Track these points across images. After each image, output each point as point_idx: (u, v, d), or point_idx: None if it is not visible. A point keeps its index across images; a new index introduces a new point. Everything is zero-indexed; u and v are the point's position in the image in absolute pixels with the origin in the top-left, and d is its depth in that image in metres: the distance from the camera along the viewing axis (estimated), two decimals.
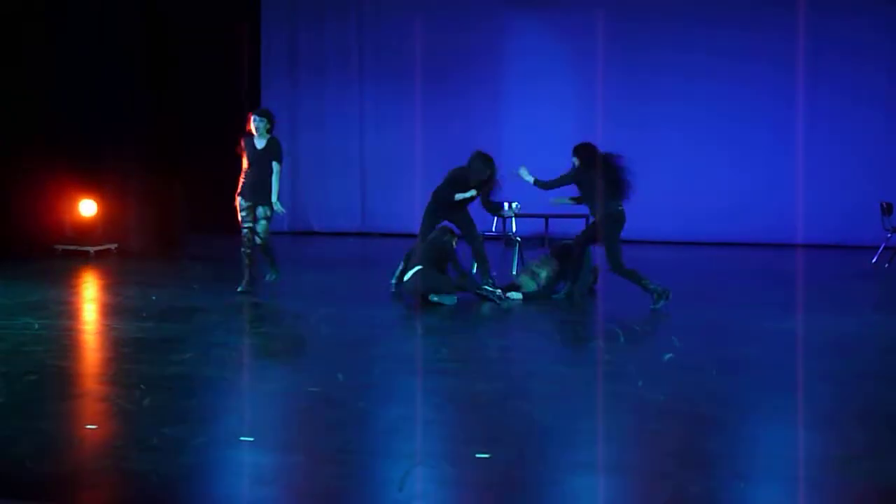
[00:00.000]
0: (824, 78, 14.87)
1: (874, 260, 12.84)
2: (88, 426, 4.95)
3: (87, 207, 12.47)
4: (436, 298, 8.88)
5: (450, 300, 8.87)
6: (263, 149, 9.42)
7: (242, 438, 4.66)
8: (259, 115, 9.42)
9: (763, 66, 14.99)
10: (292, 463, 4.44)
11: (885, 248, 12.95)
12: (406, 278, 8.97)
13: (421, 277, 8.82)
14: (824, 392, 5.82)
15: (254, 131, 9.39)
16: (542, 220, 14.09)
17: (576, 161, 8.88)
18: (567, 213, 12.05)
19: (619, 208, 8.75)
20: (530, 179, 9.09)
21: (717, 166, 15.16)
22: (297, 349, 7.05)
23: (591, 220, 9.02)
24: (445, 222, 9.53)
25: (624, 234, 8.91)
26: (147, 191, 13.23)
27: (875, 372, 6.49)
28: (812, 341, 7.43)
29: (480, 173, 9.44)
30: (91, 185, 12.52)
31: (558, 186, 8.96)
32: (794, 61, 14.94)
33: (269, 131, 9.44)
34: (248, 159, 9.42)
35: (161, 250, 12.96)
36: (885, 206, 12.95)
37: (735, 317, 8.41)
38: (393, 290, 9.56)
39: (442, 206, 9.58)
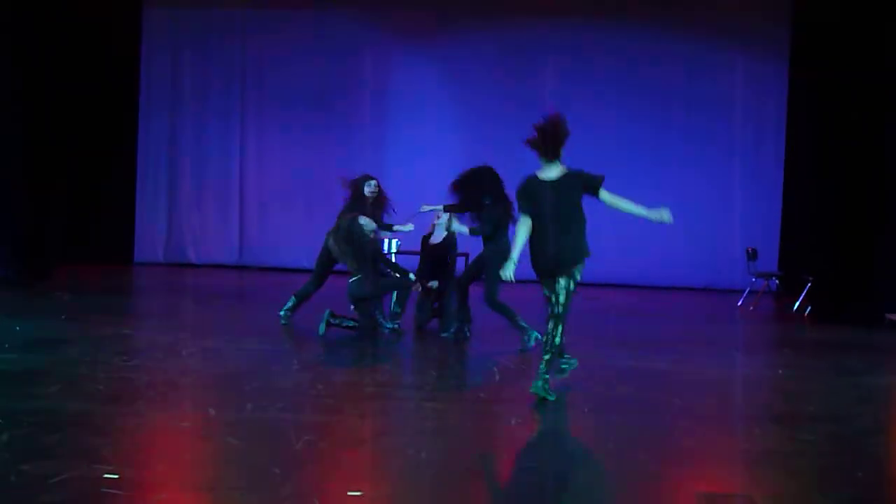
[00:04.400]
0: (693, 131, 15.49)
1: (740, 303, 13.31)
2: None
3: None
4: (335, 321, 8.88)
5: (348, 322, 8.96)
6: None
7: (108, 475, 4.50)
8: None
9: (640, 123, 15.50)
10: (160, 500, 4.31)
11: (750, 291, 13.45)
12: (351, 280, 9.05)
13: (357, 284, 8.98)
14: (691, 429, 5.97)
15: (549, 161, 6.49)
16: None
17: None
18: None
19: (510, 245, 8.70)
20: (439, 208, 9.18)
21: (591, 207, 15.48)
22: (169, 383, 6.87)
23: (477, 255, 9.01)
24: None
25: None
26: (15, 218, 12.77)
27: (740, 411, 6.70)
28: (681, 380, 7.64)
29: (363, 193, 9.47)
30: None
31: (459, 211, 9.01)
32: (666, 115, 15.51)
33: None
34: (534, 209, 6.53)
35: (29, 279, 12.49)
36: (750, 251, 13.49)
37: (609, 356, 8.57)
38: (283, 322, 9.44)
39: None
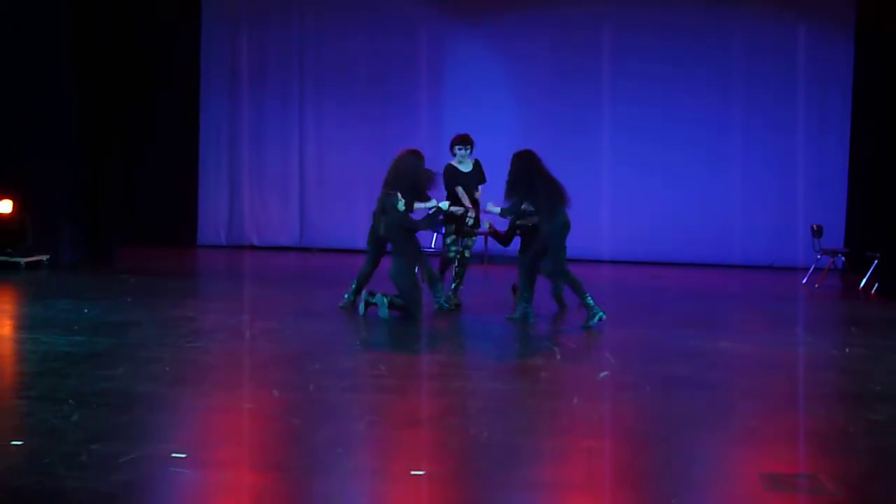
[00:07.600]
0: (757, 108, 15.22)
1: (804, 281, 13.10)
2: (14, 442, 4.83)
3: (5, 206, 12.13)
4: (373, 300, 8.89)
5: (383, 312, 8.86)
6: None
7: (175, 454, 4.58)
8: None
9: (702, 99, 15.30)
10: (225, 479, 4.38)
11: (815, 269, 13.23)
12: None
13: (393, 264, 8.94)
14: (755, 410, 5.91)
15: None
16: (481, 238, 14.12)
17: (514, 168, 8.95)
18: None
19: (567, 216, 8.87)
20: (496, 210, 9.14)
21: (654, 185, 15.35)
22: (232, 364, 6.97)
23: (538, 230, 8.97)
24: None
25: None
26: (80, 201, 13.01)
27: (805, 390, 6.61)
28: (745, 360, 7.55)
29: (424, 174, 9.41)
30: (19, 196, 12.24)
31: (517, 208, 9.02)
32: (729, 92, 15.26)
33: None
34: None
35: (94, 263, 12.73)
36: (815, 228, 13.25)
37: (670, 335, 8.50)
38: (342, 305, 9.41)
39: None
